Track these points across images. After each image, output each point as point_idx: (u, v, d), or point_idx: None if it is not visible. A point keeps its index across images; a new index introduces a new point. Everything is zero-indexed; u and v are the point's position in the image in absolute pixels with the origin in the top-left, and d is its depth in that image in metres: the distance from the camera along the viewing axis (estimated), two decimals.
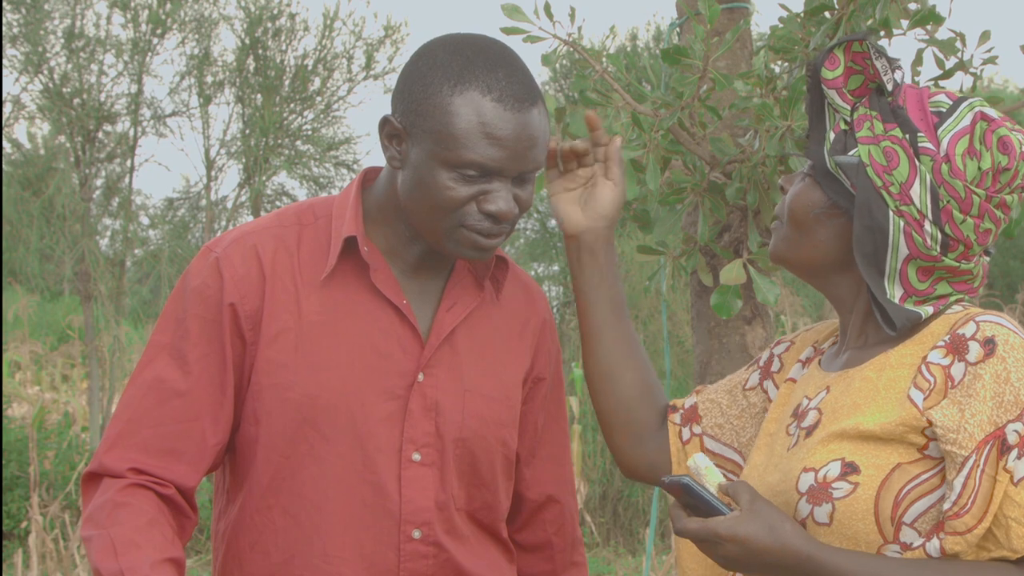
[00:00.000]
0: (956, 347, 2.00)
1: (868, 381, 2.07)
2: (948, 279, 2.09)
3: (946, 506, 1.95)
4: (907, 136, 2.06)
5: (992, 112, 2.08)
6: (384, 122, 2.26)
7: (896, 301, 2.08)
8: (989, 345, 1.97)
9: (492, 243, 2.24)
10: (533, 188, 2.27)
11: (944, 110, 2.08)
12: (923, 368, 2.01)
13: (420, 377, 2.28)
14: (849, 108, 2.11)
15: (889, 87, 2.09)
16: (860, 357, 2.13)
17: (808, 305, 13.49)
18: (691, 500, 2.01)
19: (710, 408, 2.36)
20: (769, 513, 1.98)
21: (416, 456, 2.27)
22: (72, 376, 14.55)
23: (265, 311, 2.26)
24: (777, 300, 3.31)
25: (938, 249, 2.06)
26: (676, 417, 2.38)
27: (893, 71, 2.10)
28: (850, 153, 2.08)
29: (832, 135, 2.11)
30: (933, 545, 1.95)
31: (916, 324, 2.09)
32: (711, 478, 2.03)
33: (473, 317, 2.35)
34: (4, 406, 11.30)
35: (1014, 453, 1.93)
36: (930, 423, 1.97)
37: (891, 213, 2.06)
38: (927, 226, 2.05)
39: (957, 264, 2.07)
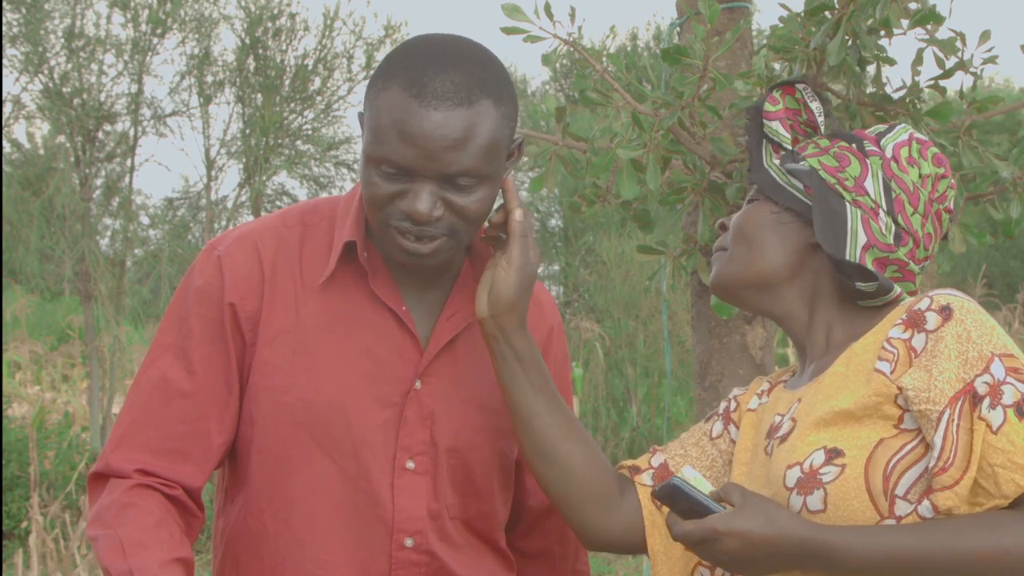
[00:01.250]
0: (914, 321, 2.05)
1: (838, 375, 2.11)
2: (898, 277, 2.17)
3: (930, 464, 1.97)
4: (853, 144, 2.19)
5: (923, 136, 2.23)
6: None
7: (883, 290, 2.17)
8: (946, 311, 2.03)
9: (420, 248, 2.17)
10: (481, 195, 2.17)
11: (883, 129, 2.22)
12: (885, 344, 2.06)
13: (417, 385, 2.26)
14: (790, 137, 2.25)
15: (822, 129, 2.24)
16: (827, 362, 2.17)
17: None
18: (685, 505, 2.01)
19: (682, 462, 2.32)
20: (764, 504, 1.99)
21: (410, 464, 2.26)
22: (72, 376, 14.54)
23: (264, 312, 2.25)
24: None
25: (891, 239, 2.14)
26: (645, 477, 2.31)
27: (826, 115, 2.24)
28: (801, 163, 2.19)
29: (776, 159, 2.24)
30: (925, 506, 1.97)
31: (882, 303, 2.16)
32: (701, 487, 2.03)
33: (475, 326, 2.31)
34: (4, 406, 11.30)
35: (986, 403, 1.96)
36: (900, 389, 2.01)
37: (848, 204, 2.15)
38: (882, 215, 2.14)
39: (907, 260, 2.15)
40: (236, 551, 2.30)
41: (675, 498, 2.01)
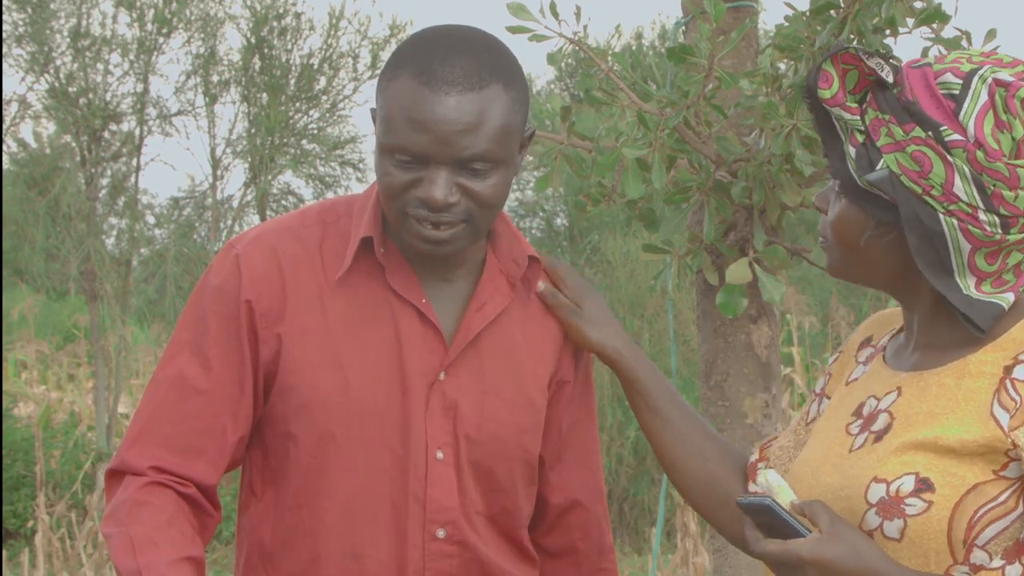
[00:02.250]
0: None
1: (946, 388, 1.97)
2: (1016, 248, 1.97)
3: None
4: (930, 133, 1.93)
5: (1005, 75, 1.94)
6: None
7: (973, 292, 1.97)
8: None
9: (439, 235, 2.18)
10: (496, 181, 2.18)
11: (957, 92, 1.94)
12: (1008, 384, 1.92)
13: (441, 376, 2.27)
14: (859, 117, 1.99)
15: (889, 79, 1.97)
16: (933, 359, 2.03)
17: (814, 304, 13.48)
18: (768, 520, 1.94)
19: (778, 453, 2.28)
20: (852, 536, 1.91)
21: (439, 455, 2.26)
22: (78, 375, 14.56)
23: (288, 311, 2.26)
24: (783, 299, 3.31)
25: (999, 230, 1.93)
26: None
27: (888, 63, 1.98)
28: (877, 167, 1.96)
29: (852, 150, 1.99)
30: (1015, 570, 1.89)
31: (999, 319, 1.99)
32: (783, 496, 1.96)
33: (500, 319, 2.31)
34: (11, 405, 11.31)
35: None
36: (1015, 445, 1.89)
37: (941, 215, 1.94)
38: (981, 215, 1.92)
39: (1022, 235, 1.95)
40: (266, 548, 2.30)
41: (761, 514, 1.94)
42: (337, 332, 2.26)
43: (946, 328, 2.03)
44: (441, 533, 2.26)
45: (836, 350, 2.31)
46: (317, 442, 2.25)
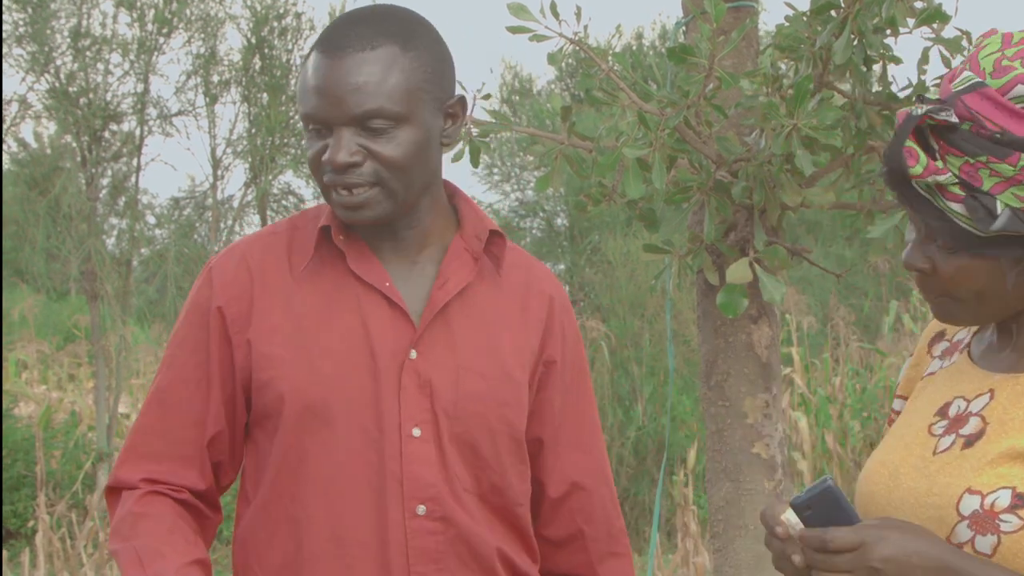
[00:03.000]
0: None
1: None
2: None
3: None
4: None
5: None
6: None
7: None
8: None
9: (352, 199, 2.24)
10: (402, 140, 2.24)
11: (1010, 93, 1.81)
12: None
13: (412, 355, 2.29)
14: (948, 174, 1.84)
15: (953, 119, 1.83)
16: None
17: (814, 304, 13.48)
18: (823, 514, 1.84)
19: None
20: (908, 524, 1.84)
21: (416, 431, 2.27)
22: (78, 375, 14.56)
23: (255, 312, 2.31)
24: (783, 299, 3.31)
25: None
26: None
27: (942, 110, 1.84)
28: (997, 212, 1.82)
29: (956, 206, 1.84)
30: None
31: None
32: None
33: (469, 294, 2.34)
34: (11, 405, 11.31)
35: None
36: None
37: None
38: None
39: None
40: (258, 546, 2.34)
41: (821, 506, 1.85)
42: (304, 323, 2.30)
43: None
44: (421, 510, 2.27)
45: (908, 354, 2.26)
46: (293, 432, 2.29)
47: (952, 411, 1.95)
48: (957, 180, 1.83)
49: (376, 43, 2.23)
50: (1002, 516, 1.82)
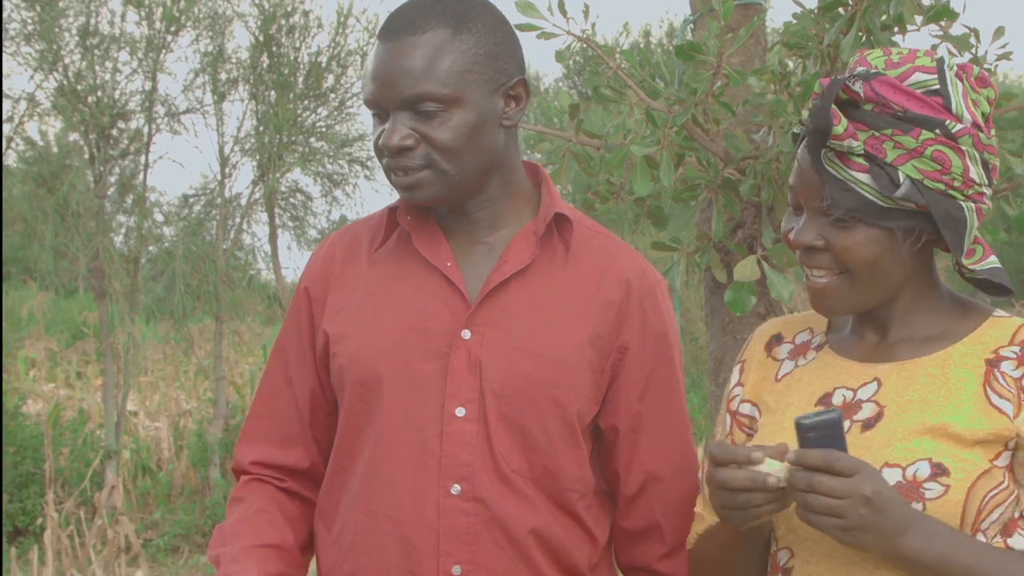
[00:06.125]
0: None
1: (934, 377, 2.06)
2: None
3: None
4: (937, 131, 2.00)
5: (953, 59, 2.06)
6: None
7: (978, 265, 2.09)
8: None
9: (406, 180, 2.27)
10: (455, 124, 2.24)
11: (937, 86, 2.03)
12: (997, 375, 2.02)
13: (466, 335, 2.29)
14: (860, 143, 2.03)
15: (860, 91, 2.02)
16: (913, 351, 2.11)
17: None
18: (824, 440, 1.93)
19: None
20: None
21: (460, 411, 2.28)
22: (87, 373, 14.59)
23: (331, 291, 2.40)
24: (791, 296, 3.31)
25: (990, 203, 2.09)
26: None
27: (856, 82, 2.03)
28: (902, 181, 2.01)
29: (861, 175, 2.02)
30: (1017, 541, 2.00)
31: (963, 317, 2.10)
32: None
33: (531, 275, 2.32)
34: (20, 403, 11.33)
35: None
36: (1018, 435, 2.00)
37: (962, 203, 2.03)
38: (986, 191, 2.06)
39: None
40: (317, 518, 2.42)
41: (825, 430, 1.93)
42: (368, 301, 2.36)
43: (924, 321, 2.11)
44: (456, 489, 2.27)
45: (736, 362, 2.30)
46: (351, 407, 2.34)
47: (836, 400, 2.11)
48: (863, 152, 2.01)
49: (427, 26, 2.24)
50: (925, 485, 1.98)
